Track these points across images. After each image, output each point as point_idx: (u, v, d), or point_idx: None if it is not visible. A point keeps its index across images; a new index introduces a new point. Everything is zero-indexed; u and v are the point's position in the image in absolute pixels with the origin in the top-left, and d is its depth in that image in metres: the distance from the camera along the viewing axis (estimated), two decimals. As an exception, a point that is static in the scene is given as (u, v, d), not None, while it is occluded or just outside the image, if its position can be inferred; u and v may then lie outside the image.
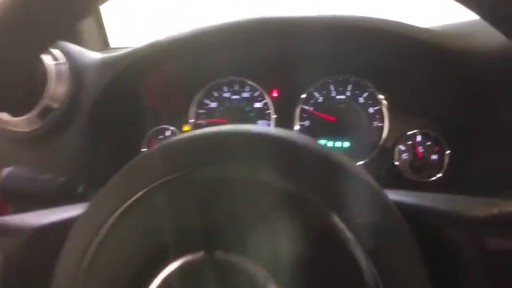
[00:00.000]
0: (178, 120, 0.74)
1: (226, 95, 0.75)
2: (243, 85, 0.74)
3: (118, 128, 0.69)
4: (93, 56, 0.68)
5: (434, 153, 0.65)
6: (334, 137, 0.70)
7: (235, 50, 0.69)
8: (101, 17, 0.90)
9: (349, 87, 0.71)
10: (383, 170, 0.67)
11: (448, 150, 0.64)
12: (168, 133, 0.74)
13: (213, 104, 0.75)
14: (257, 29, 0.65)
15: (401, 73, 0.66)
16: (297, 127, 0.71)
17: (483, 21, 0.60)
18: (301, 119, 0.71)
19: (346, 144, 0.70)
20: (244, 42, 0.67)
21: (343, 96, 0.71)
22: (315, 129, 0.71)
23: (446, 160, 0.64)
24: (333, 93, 0.71)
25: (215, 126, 0.29)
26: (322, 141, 0.71)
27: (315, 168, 0.26)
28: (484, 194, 0.58)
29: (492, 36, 0.55)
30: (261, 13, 0.65)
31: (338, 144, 0.70)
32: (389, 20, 0.60)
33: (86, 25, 0.88)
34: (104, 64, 0.66)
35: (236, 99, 0.74)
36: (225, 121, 0.74)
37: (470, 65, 0.58)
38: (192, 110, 0.74)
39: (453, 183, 0.62)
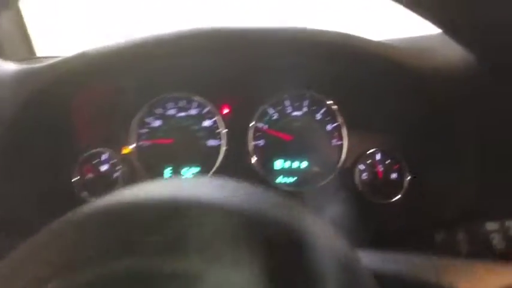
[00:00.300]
0: (117, 142, 0.65)
1: (171, 112, 0.67)
2: (190, 101, 0.67)
3: (42, 154, 0.59)
4: (7, 67, 0.57)
5: (394, 172, 0.62)
6: (292, 156, 0.65)
7: (181, 62, 0.61)
8: (23, 23, 0.79)
9: (306, 103, 0.66)
10: (343, 192, 0.63)
11: (407, 169, 0.61)
12: (104, 157, 0.64)
13: (157, 123, 0.67)
14: (206, 40, 0.58)
15: (359, 88, 0.63)
16: (250, 147, 0.65)
17: (442, 36, 0.58)
18: (255, 137, 0.65)
19: (304, 164, 0.65)
20: (191, 55, 0.59)
21: (299, 113, 0.66)
22: (270, 149, 0.65)
23: (406, 179, 0.61)
24: (289, 110, 0.66)
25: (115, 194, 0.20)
26: (279, 162, 0.65)
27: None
28: (445, 215, 0.56)
29: (450, 52, 0.52)
30: (209, 23, 0.59)
31: (296, 164, 0.65)
32: (344, 33, 0.56)
33: (7, 32, 0.76)
34: (22, 77, 0.55)
35: (182, 116, 0.67)
36: (171, 141, 0.66)
37: (427, 81, 0.55)
38: (133, 130, 0.66)
39: (413, 203, 0.59)
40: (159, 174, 0.65)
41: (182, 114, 0.67)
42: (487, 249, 0.40)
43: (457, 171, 0.55)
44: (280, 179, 0.65)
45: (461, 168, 0.54)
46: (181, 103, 0.67)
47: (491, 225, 0.42)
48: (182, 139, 0.66)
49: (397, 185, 0.62)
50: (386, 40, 0.62)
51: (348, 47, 0.56)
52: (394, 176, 0.62)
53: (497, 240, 0.40)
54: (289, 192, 0.64)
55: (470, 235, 0.43)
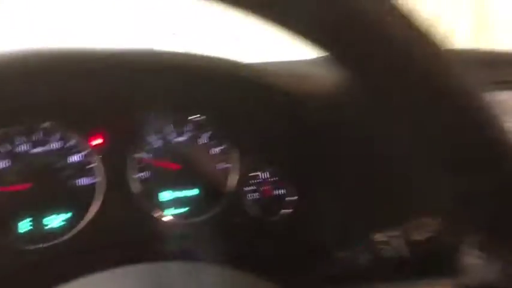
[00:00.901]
0: None
1: (23, 148, 0.53)
2: (48, 132, 0.54)
3: None
4: None
5: (281, 190, 0.66)
6: (180, 186, 0.61)
7: (33, 85, 0.49)
8: None
9: (188, 127, 0.62)
10: (234, 216, 0.63)
11: (292, 187, 0.66)
12: None
13: (3, 164, 0.52)
14: (61, 60, 0.48)
15: (237, 111, 0.63)
16: (132, 180, 0.57)
17: (315, 62, 0.63)
18: (139, 169, 0.58)
19: (195, 192, 0.62)
20: (48, 75, 0.48)
21: (182, 139, 0.62)
22: (155, 180, 0.59)
23: (292, 198, 0.65)
24: (171, 136, 0.61)
25: None
26: (166, 193, 0.60)
27: None
28: (331, 231, 0.62)
29: (323, 78, 0.58)
30: (71, 42, 0.49)
31: (185, 193, 0.61)
32: (213, 57, 0.55)
33: None
34: None
35: (39, 153, 0.54)
36: (28, 186, 0.52)
37: (298, 106, 0.60)
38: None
39: (301, 221, 0.64)
40: (14, 228, 0.51)
41: (39, 150, 0.54)
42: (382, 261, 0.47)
43: (332, 192, 0.62)
44: (169, 211, 0.60)
45: (337, 189, 0.61)
46: (37, 136, 0.54)
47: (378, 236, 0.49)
48: (43, 181, 0.53)
49: (285, 204, 0.65)
50: (257, 63, 0.65)
51: (218, 70, 0.56)
52: (281, 194, 0.65)
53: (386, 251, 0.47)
54: (179, 225, 0.60)
55: (368, 248, 0.49)
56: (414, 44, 0.25)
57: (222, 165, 0.64)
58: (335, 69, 0.56)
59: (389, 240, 0.48)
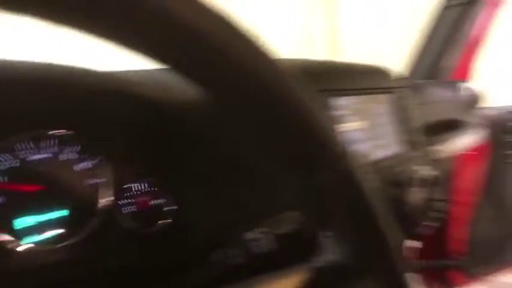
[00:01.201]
0: None
1: None
2: None
3: None
4: None
5: (158, 200, 0.65)
6: (45, 209, 0.55)
7: None
8: None
9: (50, 143, 0.57)
10: (110, 232, 0.60)
11: (169, 197, 0.66)
12: None
13: None
14: None
15: (102, 122, 0.61)
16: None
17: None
18: (-10, 196, 0.51)
19: (64, 213, 0.57)
20: None
21: (43, 156, 0.56)
22: (14, 206, 0.53)
23: (170, 207, 0.66)
24: (28, 154, 0.55)
25: None
26: (25, 219, 0.54)
27: None
28: (208, 234, 0.65)
29: (185, 86, 0.60)
30: None
31: (51, 216, 0.56)
32: (71, 67, 0.53)
33: None
34: None
35: None
36: None
37: (161, 114, 0.61)
38: None
39: (180, 230, 0.65)
40: None
41: None
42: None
43: (206, 198, 0.64)
44: (30, 240, 0.54)
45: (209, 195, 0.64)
46: None
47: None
48: None
49: (163, 214, 0.65)
50: (120, 72, 0.64)
51: (80, 81, 0.54)
52: (159, 204, 0.65)
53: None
54: (42, 252, 0.55)
55: (240, 247, 0.53)
56: (248, 57, 0.28)
57: (92, 181, 0.60)
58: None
59: (258, 236, 0.53)
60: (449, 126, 1.16)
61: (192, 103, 0.59)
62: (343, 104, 0.78)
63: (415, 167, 0.80)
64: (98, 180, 0.61)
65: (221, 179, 0.61)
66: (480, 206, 1.72)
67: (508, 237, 1.92)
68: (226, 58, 0.26)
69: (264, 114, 0.29)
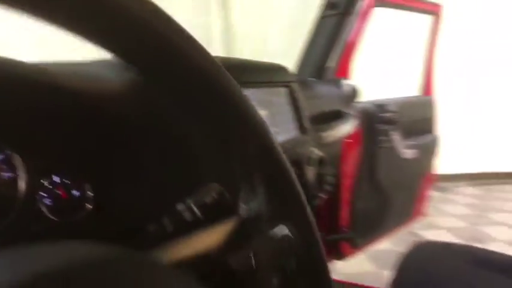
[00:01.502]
0: None
1: None
2: None
3: None
4: None
5: (77, 190, 0.66)
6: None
7: None
8: None
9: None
10: (31, 224, 0.59)
11: (88, 185, 0.67)
12: None
13: None
14: None
15: (20, 113, 0.60)
16: None
17: (104, 63, 0.69)
18: None
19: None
20: None
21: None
22: None
23: (88, 195, 0.67)
24: None
25: None
26: None
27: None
28: (139, 211, 0.68)
29: (117, 75, 0.63)
30: None
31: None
32: None
33: None
34: None
35: None
36: None
37: (87, 103, 0.63)
38: None
39: (106, 213, 0.67)
40: None
41: None
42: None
43: (133, 180, 0.67)
44: None
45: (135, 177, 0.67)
46: None
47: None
48: None
49: (85, 201, 0.66)
50: (42, 63, 0.64)
51: None
52: (79, 193, 0.66)
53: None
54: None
55: (173, 217, 0.58)
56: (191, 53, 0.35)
57: (6, 175, 0.59)
58: (123, 71, 0.62)
59: (187, 207, 0.59)
60: (333, 116, 1.36)
61: (113, 93, 0.62)
62: (248, 95, 0.88)
63: (310, 149, 0.95)
64: (12, 174, 0.59)
65: (145, 162, 0.65)
66: (358, 185, 2.02)
67: (383, 212, 2.29)
68: (173, 55, 0.32)
69: (202, 99, 0.36)
